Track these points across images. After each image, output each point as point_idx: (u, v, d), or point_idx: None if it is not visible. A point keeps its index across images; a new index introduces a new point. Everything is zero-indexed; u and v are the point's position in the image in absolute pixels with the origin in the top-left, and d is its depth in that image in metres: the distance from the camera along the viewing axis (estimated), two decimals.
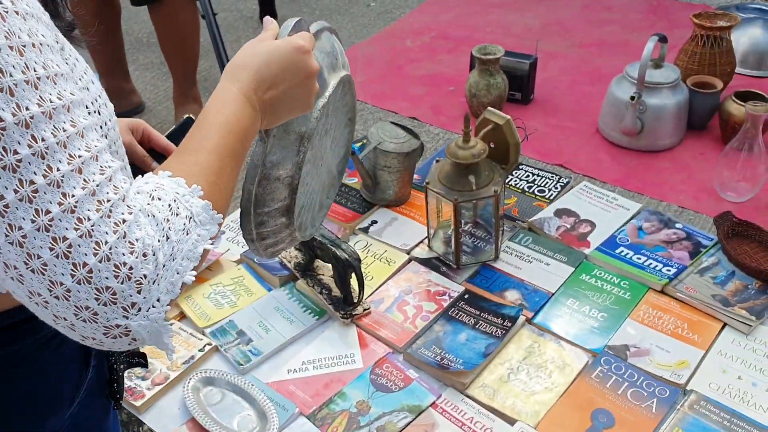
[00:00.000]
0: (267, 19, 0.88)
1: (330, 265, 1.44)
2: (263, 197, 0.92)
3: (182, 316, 1.47)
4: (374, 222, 1.67)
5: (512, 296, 1.47)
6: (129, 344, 0.63)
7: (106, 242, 0.59)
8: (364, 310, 1.44)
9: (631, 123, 1.86)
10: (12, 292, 0.61)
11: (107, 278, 0.59)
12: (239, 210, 0.96)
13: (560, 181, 1.80)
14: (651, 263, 1.52)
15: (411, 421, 1.24)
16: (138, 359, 0.98)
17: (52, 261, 0.57)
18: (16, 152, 0.56)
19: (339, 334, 1.42)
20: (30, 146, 0.56)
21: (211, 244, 0.69)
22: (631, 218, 1.66)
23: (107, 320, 0.60)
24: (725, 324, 1.39)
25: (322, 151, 1.02)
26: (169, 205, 0.65)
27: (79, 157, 0.59)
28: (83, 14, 2.02)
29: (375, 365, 1.35)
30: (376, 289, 1.50)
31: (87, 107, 0.66)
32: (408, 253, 1.59)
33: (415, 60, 2.42)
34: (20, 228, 0.56)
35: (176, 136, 1.06)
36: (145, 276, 0.61)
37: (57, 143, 0.58)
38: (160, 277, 0.62)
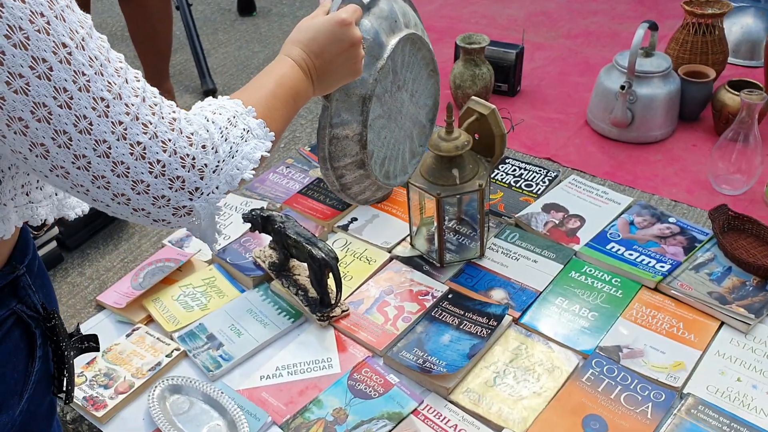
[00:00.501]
0: None
1: (306, 264, 1.36)
2: (336, 153, 1.07)
3: (149, 320, 1.39)
4: (354, 219, 1.59)
5: (498, 295, 1.40)
6: (189, 222, 0.74)
7: (170, 140, 0.69)
8: (343, 311, 1.36)
9: (621, 114, 1.79)
10: (94, 199, 0.69)
11: (176, 169, 0.70)
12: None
13: (548, 174, 1.73)
14: (644, 259, 1.45)
15: (391, 430, 1.16)
16: (89, 343, 0.92)
17: (133, 164, 0.67)
18: (83, 73, 0.63)
19: (315, 337, 1.34)
20: (91, 66, 0.64)
21: (267, 153, 0.80)
22: (622, 212, 1.59)
23: (177, 203, 0.71)
24: (723, 323, 1.32)
25: (398, 105, 1.13)
26: (228, 118, 0.77)
27: (122, 69, 0.68)
28: None
29: (353, 370, 1.27)
30: (356, 290, 1.42)
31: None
32: (389, 252, 1.51)
33: None
34: (104, 141, 0.65)
35: None
36: (206, 165, 0.72)
37: (106, 59, 0.66)
38: (219, 168, 0.73)
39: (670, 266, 1.42)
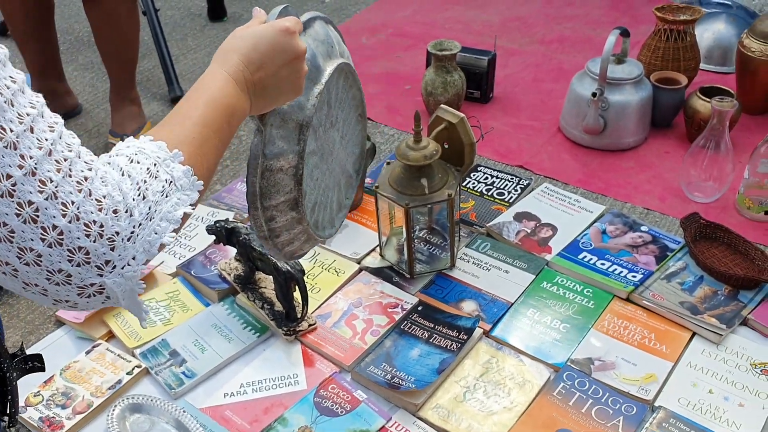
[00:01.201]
0: (256, 8, 0.89)
1: (272, 277, 1.32)
2: (268, 189, 0.91)
3: (110, 336, 1.34)
4: None
5: (469, 307, 1.37)
6: (103, 302, 0.63)
7: (73, 202, 0.58)
8: (310, 325, 1.33)
9: (593, 121, 1.78)
10: None
11: (78, 238, 0.58)
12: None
13: (520, 183, 1.71)
14: (616, 269, 1.43)
15: None
16: (33, 363, 0.87)
17: (19, 227, 0.56)
18: None
19: (282, 352, 1.31)
20: None
21: (192, 208, 0.69)
22: (595, 221, 1.58)
23: (81, 280, 0.60)
24: (694, 333, 1.31)
25: (330, 145, 1.01)
26: (148, 168, 0.65)
27: (27, 115, 0.57)
28: (12, 11, 1.89)
29: (320, 386, 1.24)
30: (324, 302, 1.39)
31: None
32: (358, 263, 1.48)
33: (370, 58, 2.31)
34: None
35: None
36: (117, 233, 0.61)
37: (4, 102, 0.56)
38: (135, 235, 0.62)
39: (642, 276, 1.41)
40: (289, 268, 1.27)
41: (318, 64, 0.91)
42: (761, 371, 1.23)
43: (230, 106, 0.77)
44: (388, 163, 1.44)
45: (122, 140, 1.95)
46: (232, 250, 1.47)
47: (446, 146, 1.42)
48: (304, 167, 0.91)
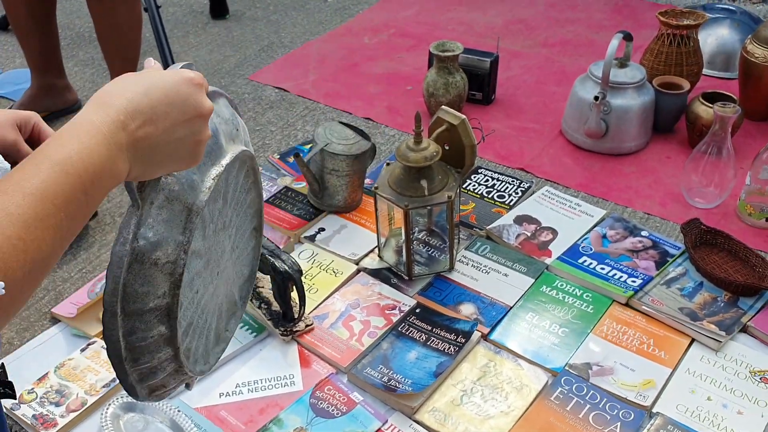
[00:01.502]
0: (149, 59, 0.72)
1: (269, 277, 1.31)
2: (134, 289, 0.67)
3: None
4: (321, 230, 1.55)
5: (467, 310, 1.36)
6: None
7: None
8: (307, 326, 1.32)
9: (595, 124, 1.77)
10: None
11: None
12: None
13: (521, 185, 1.70)
14: (615, 274, 1.42)
15: None
16: (4, 389, 0.84)
17: None
18: None
19: (278, 352, 1.30)
20: None
21: None
22: (595, 225, 1.57)
23: None
24: (693, 340, 1.30)
25: (218, 252, 0.80)
26: None
27: None
28: (14, 5, 1.88)
29: (316, 387, 1.23)
30: (321, 303, 1.38)
31: None
32: (357, 264, 1.47)
33: (372, 58, 2.31)
34: None
35: None
36: None
37: None
38: None
39: (641, 281, 1.40)
40: (287, 267, 1.27)
41: (220, 143, 0.74)
42: (760, 379, 1.23)
43: (92, 171, 0.58)
44: (388, 164, 1.43)
45: None
46: None
47: (447, 148, 1.42)
48: (186, 267, 0.70)
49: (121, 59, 1.88)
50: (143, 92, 0.63)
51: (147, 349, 0.71)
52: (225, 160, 0.74)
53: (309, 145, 1.86)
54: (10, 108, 1.99)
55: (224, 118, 0.76)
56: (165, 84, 0.64)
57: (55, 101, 2.02)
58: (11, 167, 0.92)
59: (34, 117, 0.88)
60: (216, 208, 0.76)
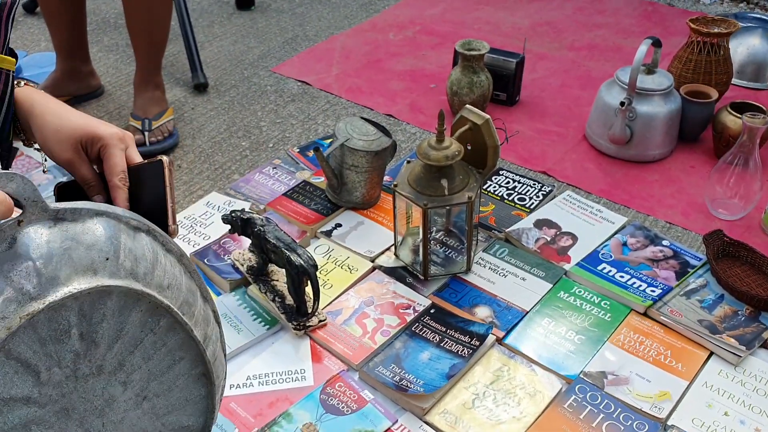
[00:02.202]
0: None
1: (284, 270, 1.31)
2: None
3: None
4: (338, 225, 1.54)
5: (483, 313, 1.35)
6: None
7: None
8: (320, 321, 1.31)
9: (620, 130, 1.74)
10: None
11: None
12: None
13: (542, 189, 1.68)
14: (635, 282, 1.40)
15: None
16: None
17: None
18: None
19: (290, 346, 1.29)
20: None
21: None
22: (616, 233, 1.55)
23: None
24: (712, 353, 1.27)
25: (94, 401, 0.69)
26: None
27: None
28: None
29: (327, 384, 1.22)
30: (335, 299, 1.37)
31: None
32: (372, 261, 1.46)
33: (396, 54, 2.29)
34: None
35: (137, 173, 0.90)
36: None
37: None
38: None
39: (661, 291, 1.38)
40: (302, 262, 1.26)
41: (55, 275, 0.63)
42: None
43: None
44: (408, 162, 1.42)
45: (143, 124, 1.94)
46: (246, 241, 1.46)
47: (469, 147, 1.40)
48: None
49: (149, 45, 1.87)
50: None
51: None
52: (54, 294, 0.62)
53: (329, 140, 1.85)
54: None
55: (84, 243, 0.65)
56: None
57: (78, 86, 2.02)
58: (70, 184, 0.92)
59: (102, 141, 0.87)
60: (58, 350, 0.64)
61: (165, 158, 0.88)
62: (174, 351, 0.72)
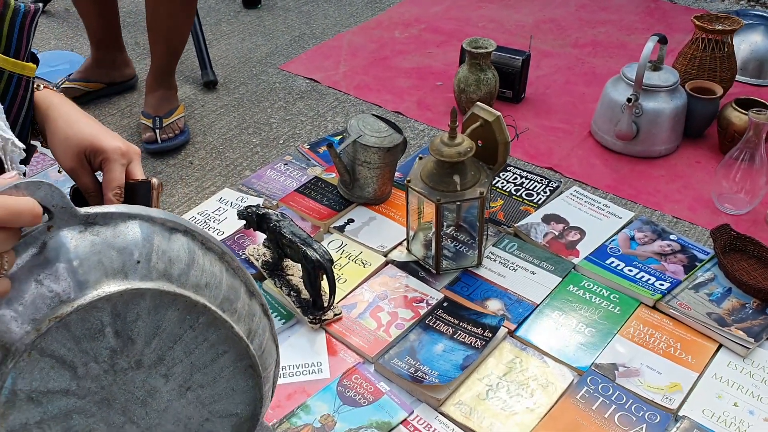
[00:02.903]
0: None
1: (300, 265, 1.33)
2: None
3: None
4: (351, 221, 1.56)
5: (494, 306, 1.37)
6: None
7: None
8: (335, 315, 1.33)
9: (626, 126, 1.77)
10: None
11: None
12: None
13: (550, 185, 1.70)
14: (643, 276, 1.43)
15: None
16: None
17: None
18: None
19: (306, 340, 1.31)
20: None
21: None
22: (623, 227, 1.57)
23: None
24: (721, 345, 1.30)
25: (136, 393, 0.71)
26: None
27: None
28: None
29: (343, 376, 1.24)
30: (349, 293, 1.40)
31: None
32: (385, 256, 1.48)
33: (402, 52, 2.31)
34: None
35: (131, 190, 0.92)
36: None
37: None
38: None
39: (669, 284, 1.40)
40: (318, 257, 1.28)
41: (85, 279, 0.64)
42: None
43: None
44: (421, 158, 1.44)
45: (154, 121, 1.94)
46: (260, 236, 1.48)
47: (480, 144, 1.42)
48: (3, 411, 0.63)
49: (168, 45, 1.86)
50: None
51: None
52: (83, 298, 0.63)
53: (339, 137, 1.87)
54: (68, 76, 2.03)
55: (116, 246, 0.66)
56: None
57: (111, 73, 2.06)
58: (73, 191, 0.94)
59: (105, 154, 0.89)
60: (94, 347, 0.66)
61: (155, 180, 0.90)
62: (216, 345, 0.73)
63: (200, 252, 0.72)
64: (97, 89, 2.04)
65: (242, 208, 1.41)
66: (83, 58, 2.16)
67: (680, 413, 1.18)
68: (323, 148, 1.81)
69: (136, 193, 0.91)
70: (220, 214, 1.58)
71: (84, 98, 2.00)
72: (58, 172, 0.95)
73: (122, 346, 0.68)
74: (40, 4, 0.91)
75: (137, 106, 2.03)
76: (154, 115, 1.87)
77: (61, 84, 2.01)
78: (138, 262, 0.67)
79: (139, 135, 1.87)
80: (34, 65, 0.92)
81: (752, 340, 1.28)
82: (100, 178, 0.92)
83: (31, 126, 0.95)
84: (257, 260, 1.42)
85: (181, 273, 0.69)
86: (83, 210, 0.66)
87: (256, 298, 0.77)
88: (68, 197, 0.66)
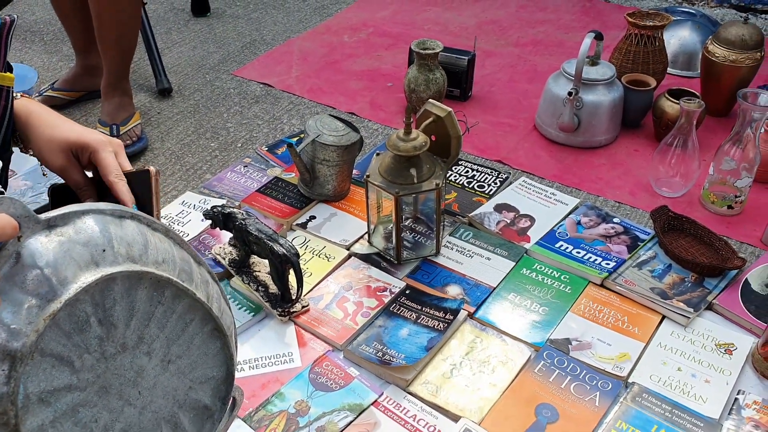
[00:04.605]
0: None
1: (267, 261, 1.38)
2: None
3: None
4: (313, 217, 1.62)
5: (454, 291, 1.45)
6: None
7: None
8: (303, 307, 1.39)
9: (568, 119, 1.87)
10: None
11: None
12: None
13: (499, 176, 1.79)
14: (590, 257, 1.52)
15: (352, 421, 1.20)
16: None
17: None
18: None
19: (276, 332, 1.36)
20: None
21: None
22: (570, 213, 1.67)
23: None
24: (664, 316, 1.40)
25: (125, 374, 0.75)
26: None
27: None
28: None
29: (314, 364, 1.30)
30: (315, 286, 1.45)
31: None
32: (348, 249, 1.55)
33: (352, 55, 2.38)
34: None
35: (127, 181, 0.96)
36: None
37: None
38: None
39: (615, 264, 1.50)
40: (285, 251, 1.33)
41: (63, 276, 0.68)
42: (725, 351, 1.33)
43: None
44: (378, 154, 1.51)
45: (111, 129, 1.96)
46: (226, 235, 1.52)
47: (433, 139, 1.50)
48: (20, 416, 0.66)
49: (119, 51, 1.89)
50: None
51: None
52: (65, 293, 0.67)
53: (296, 138, 1.92)
54: (52, 85, 2.06)
55: (80, 241, 0.70)
56: None
57: (95, 82, 2.07)
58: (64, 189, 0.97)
59: (91, 148, 0.93)
60: (84, 339, 0.70)
61: (152, 168, 0.95)
62: (183, 315, 0.78)
63: (149, 232, 0.77)
64: (77, 98, 2.08)
65: (207, 208, 1.45)
66: (33, 70, 2.16)
67: (630, 380, 1.28)
68: (281, 150, 1.86)
69: (136, 182, 0.94)
70: (183, 216, 1.62)
71: (60, 108, 2.01)
72: (43, 174, 0.98)
73: (107, 332, 0.72)
74: (16, 15, 0.94)
75: (93, 115, 2.04)
76: (111, 123, 1.89)
77: (45, 92, 2.05)
78: (104, 250, 0.71)
79: None
80: (12, 75, 0.95)
81: (692, 310, 1.38)
82: (89, 175, 0.96)
83: (12, 134, 0.99)
84: (224, 259, 1.47)
85: (141, 253, 0.74)
86: (44, 216, 0.71)
87: (203, 266, 0.84)
88: (29, 207, 0.70)
